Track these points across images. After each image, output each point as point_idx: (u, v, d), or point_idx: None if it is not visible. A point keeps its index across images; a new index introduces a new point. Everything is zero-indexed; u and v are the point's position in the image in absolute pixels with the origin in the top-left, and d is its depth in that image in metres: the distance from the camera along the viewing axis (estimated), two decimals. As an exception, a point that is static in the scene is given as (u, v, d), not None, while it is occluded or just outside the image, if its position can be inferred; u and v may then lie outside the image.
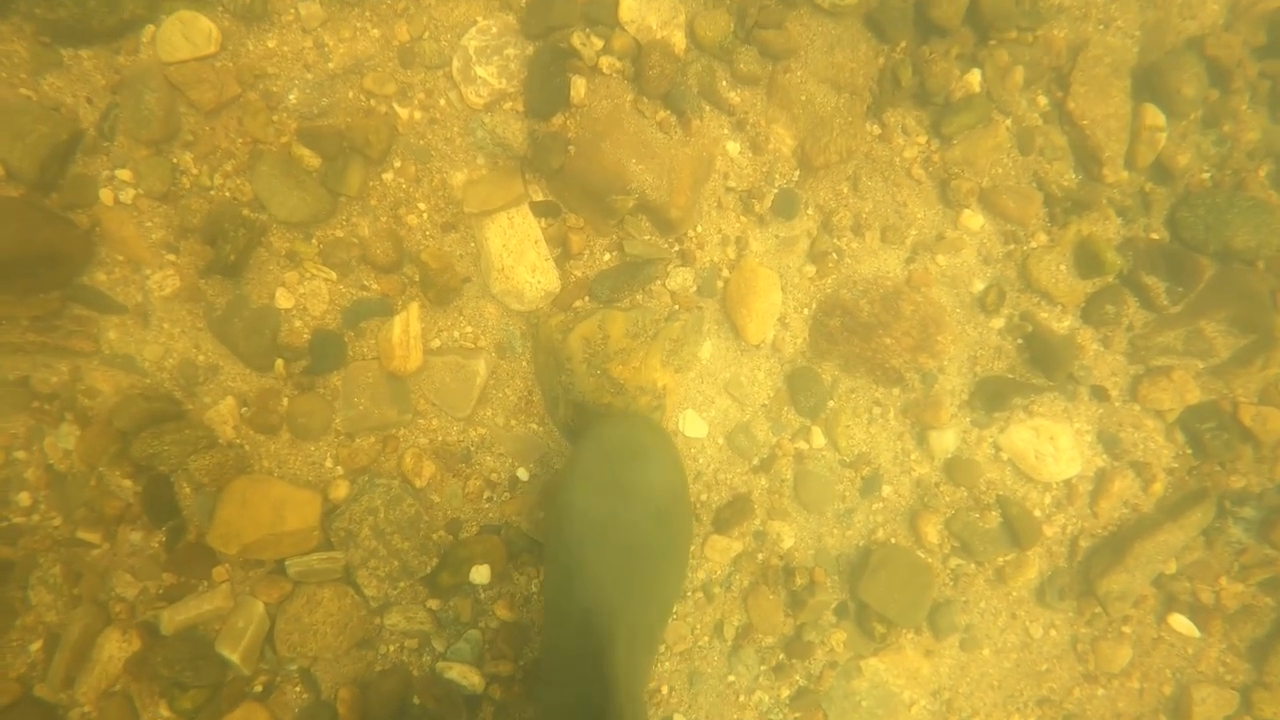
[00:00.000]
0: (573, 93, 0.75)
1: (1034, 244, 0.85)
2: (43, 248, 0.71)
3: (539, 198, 0.79)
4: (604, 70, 0.76)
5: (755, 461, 0.84)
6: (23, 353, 0.74)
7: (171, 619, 0.74)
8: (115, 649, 0.74)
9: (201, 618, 0.75)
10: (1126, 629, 0.88)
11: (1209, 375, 0.87)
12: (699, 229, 0.82)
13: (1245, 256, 0.83)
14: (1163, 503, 0.87)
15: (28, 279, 0.72)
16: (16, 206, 0.71)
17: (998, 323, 0.86)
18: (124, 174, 0.75)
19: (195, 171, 0.76)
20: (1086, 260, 0.84)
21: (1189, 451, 0.87)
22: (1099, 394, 0.87)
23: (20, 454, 0.76)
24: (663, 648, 0.82)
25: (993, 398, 0.84)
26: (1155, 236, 0.86)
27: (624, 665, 0.62)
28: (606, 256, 0.80)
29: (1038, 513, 0.87)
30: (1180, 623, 0.87)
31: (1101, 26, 0.85)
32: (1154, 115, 0.83)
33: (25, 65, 0.73)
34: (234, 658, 0.73)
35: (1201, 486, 0.86)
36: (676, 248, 0.81)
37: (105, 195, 0.75)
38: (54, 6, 0.70)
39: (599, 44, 0.76)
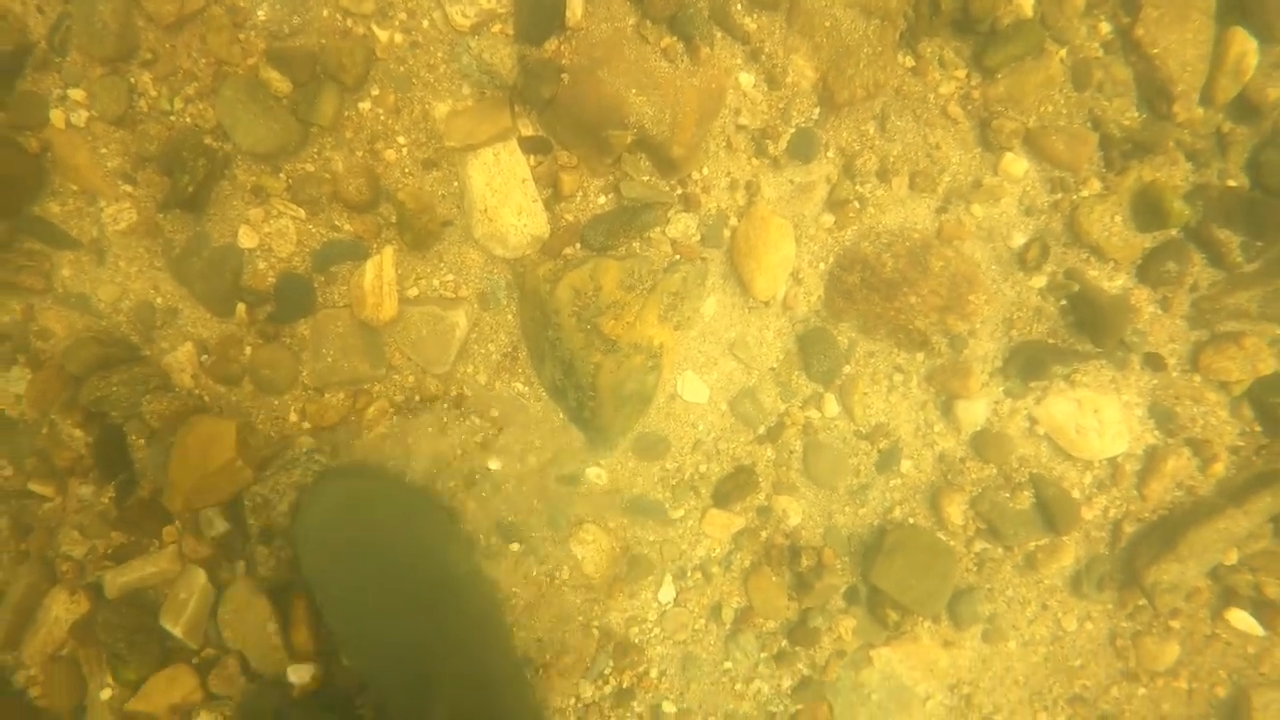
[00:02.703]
0: (568, 14, 0.69)
1: (1085, 192, 0.76)
2: (-12, 173, 0.66)
3: (529, 132, 0.72)
4: (604, -12, 0.69)
5: (761, 430, 0.77)
6: (-32, 289, 0.70)
7: (114, 581, 0.69)
8: (62, 610, 0.69)
9: (145, 581, 0.70)
10: (1175, 624, 0.81)
11: (1287, 343, 0.79)
12: (705, 171, 0.74)
13: (1340, 208, 0.74)
14: (1224, 485, 0.79)
15: (-29, 207, 0.67)
16: (-45, 125, 0.65)
17: (1039, 281, 0.77)
18: (77, 94, 0.69)
19: (154, 94, 0.69)
20: (1147, 211, 0.75)
21: (1258, 428, 0.79)
22: (1153, 362, 0.78)
23: (-32, 398, 0.71)
24: (658, 630, 0.76)
25: (1030, 365, 0.76)
26: (1232, 183, 0.77)
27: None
28: (601, 199, 0.73)
29: (1076, 493, 0.79)
30: (1240, 619, 0.80)
31: (1176, -57, 0.75)
32: (1242, 40, 0.73)
33: (-37, -33, 0.66)
34: (176, 631, 0.68)
35: (1272, 468, 0.78)
36: (679, 191, 0.74)
37: (56, 117, 0.69)
38: (-10, -101, 0.64)
39: (598, -43, 0.68)
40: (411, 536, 0.67)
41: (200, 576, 0.69)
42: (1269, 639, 0.81)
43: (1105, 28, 0.76)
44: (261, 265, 0.72)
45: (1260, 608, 0.80)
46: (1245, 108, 0.76)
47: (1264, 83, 0.74)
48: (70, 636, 0.70)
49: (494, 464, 0.74)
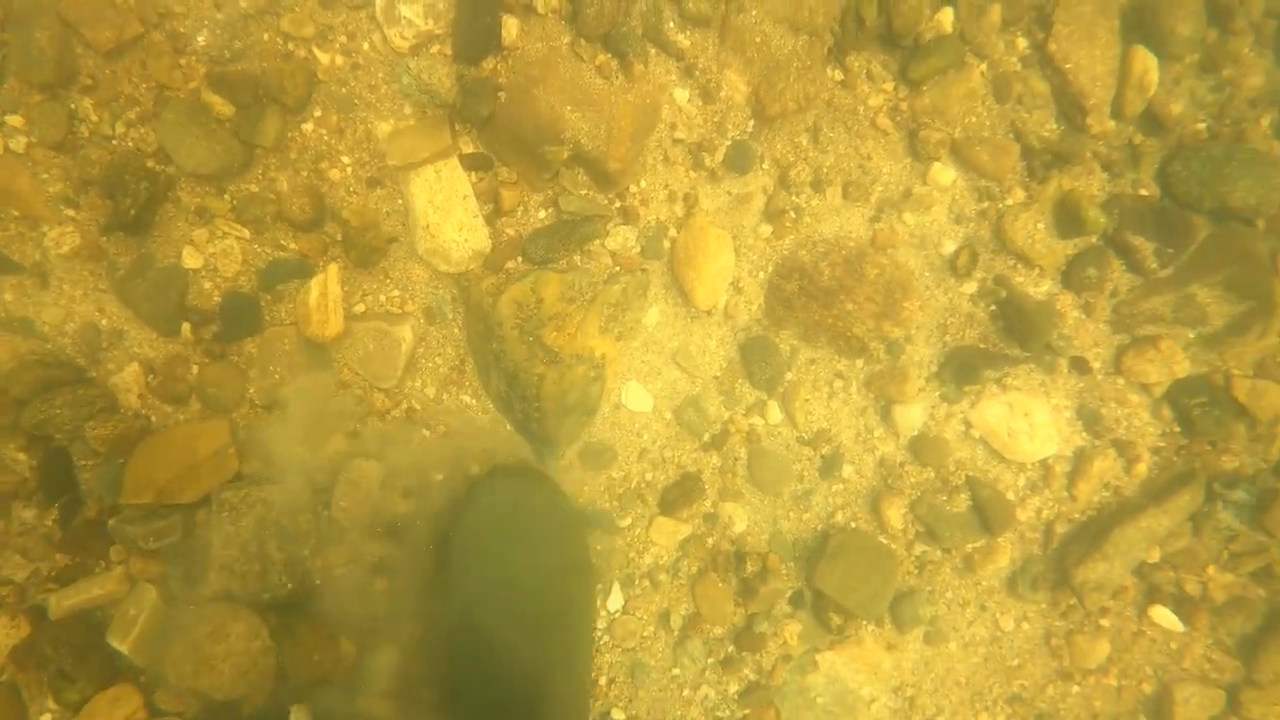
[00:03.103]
0: (504, 34, 0.70)
1: (1010, 201, 0.79)
2: (-73, 200, 0.66)
3: (469, 149, 0.74)
4: (539, 9, 0.71)
5: (706, 438, 0.78)
6: (-91, 314, 0.70)
7: (59, 604, 0.69)
8: (2, 635, 0.69)
9: (92, 602, 0.70)
10: (1104, 622, 0.83)
11: (1200, 345, 0.81)
12: (643, 184, 0.76)
13: (1243, 214, 0.77)
14: (1147, 485, 0.81)
15: (-90, 233, 0.67)
16: (-108, 153, 0.66)
17: (970, 287, 0.79)
18: (15, 120, 0.69)
19: (95, 119, 0.70)
20: (1067, 219, 0.77)
21: (1177, 429, 0.82)
22: (1079, 366, 0.80)
23: (-90, 423, 0.71)
24: (606, 638, 0.77)
25: (963, 370, 0.78)
26: (1144, 193, 0.80)
27: None
28: (542, 214, 0.75)
29: (1010, 495, 0.81)
30: (1163, 615, 0.82)
31: (1090, -38, 0.78)
32: (1144, 58, 0.76)
33: (-102, -2, 0.67)
34: (124, 649, 0.68)
35: (1189, 467, 0.80)
36: (618, 204, 0.75)
37: (-5, 143, 0.69)
38: (-76, -70, 0.64)
39: (533, -21, 0.70)
40: (555, 554, 0.66)
41: (150, 593, 0.69)
42: (1189, 634, 0.83)
43: (1022, 43, 0.78)
44: (207, 285, 0.73)
45: (1180, 604, 0.82)
46: (1152, 121, 0.79)
47: (1166, 98, 0.77)
48: (10, 662, 0.69)
49: (439, 475, 0.75)
